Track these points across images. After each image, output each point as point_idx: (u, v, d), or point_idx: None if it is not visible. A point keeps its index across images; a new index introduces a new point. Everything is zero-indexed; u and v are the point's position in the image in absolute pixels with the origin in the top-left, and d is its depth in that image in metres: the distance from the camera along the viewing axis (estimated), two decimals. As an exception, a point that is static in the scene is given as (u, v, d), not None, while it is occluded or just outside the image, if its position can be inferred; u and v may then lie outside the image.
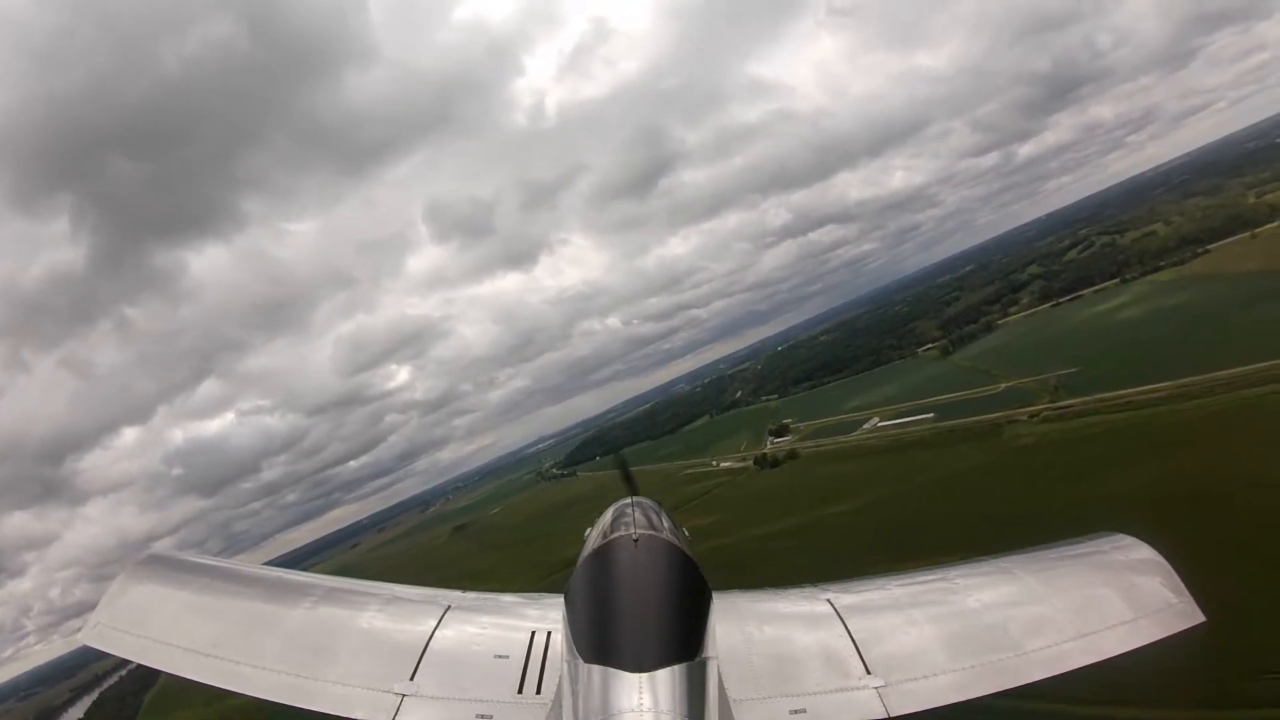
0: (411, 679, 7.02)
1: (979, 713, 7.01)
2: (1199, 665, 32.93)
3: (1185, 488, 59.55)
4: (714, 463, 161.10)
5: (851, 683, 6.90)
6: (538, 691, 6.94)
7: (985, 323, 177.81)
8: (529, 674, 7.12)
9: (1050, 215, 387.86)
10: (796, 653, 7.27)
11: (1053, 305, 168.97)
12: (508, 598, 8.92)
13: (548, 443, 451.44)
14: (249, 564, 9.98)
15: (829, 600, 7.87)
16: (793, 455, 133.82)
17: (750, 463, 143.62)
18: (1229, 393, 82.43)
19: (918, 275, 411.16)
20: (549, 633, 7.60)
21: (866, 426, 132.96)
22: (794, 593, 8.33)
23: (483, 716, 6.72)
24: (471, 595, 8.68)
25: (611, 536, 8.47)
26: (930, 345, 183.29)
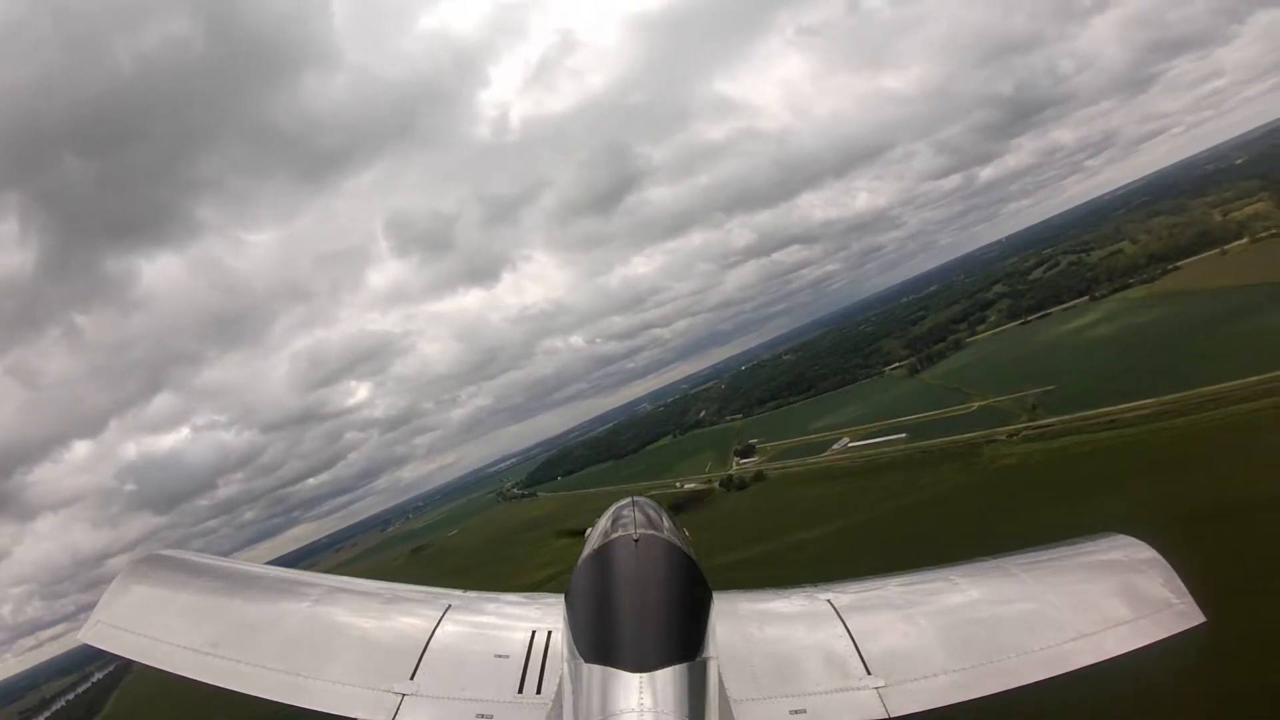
0: (411, 679, 6.99)
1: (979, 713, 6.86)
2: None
3: (1190, 508, 55.50)
4: (678, 484, 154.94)
5: (851, 683, 6.86)
6: (538, 691, 6.92)
7: (953, 341, 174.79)
8: (529, 674, 7.10)
9: (1011, 237, 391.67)
10: (796, 653, 7.24)
11: (1021, 323, 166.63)
12: (508, 597, 8.77)
13: (510, 461, 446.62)
14: (249, 563, 9.45)
15: (829, 600, 7.83)
16: (760, 476, 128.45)
17: (716, 484, 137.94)
18: (1218, 409, 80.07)
19: (881, 295, 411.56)
20: (549, 632, 7.55)
21: (836, 447, 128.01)
22: (794, 593, 8.27)
23: (483, 716, 6.69)
24: (471, 595, 8.57)
25: (612, 536, 8.51)
26: (898, 364, 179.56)
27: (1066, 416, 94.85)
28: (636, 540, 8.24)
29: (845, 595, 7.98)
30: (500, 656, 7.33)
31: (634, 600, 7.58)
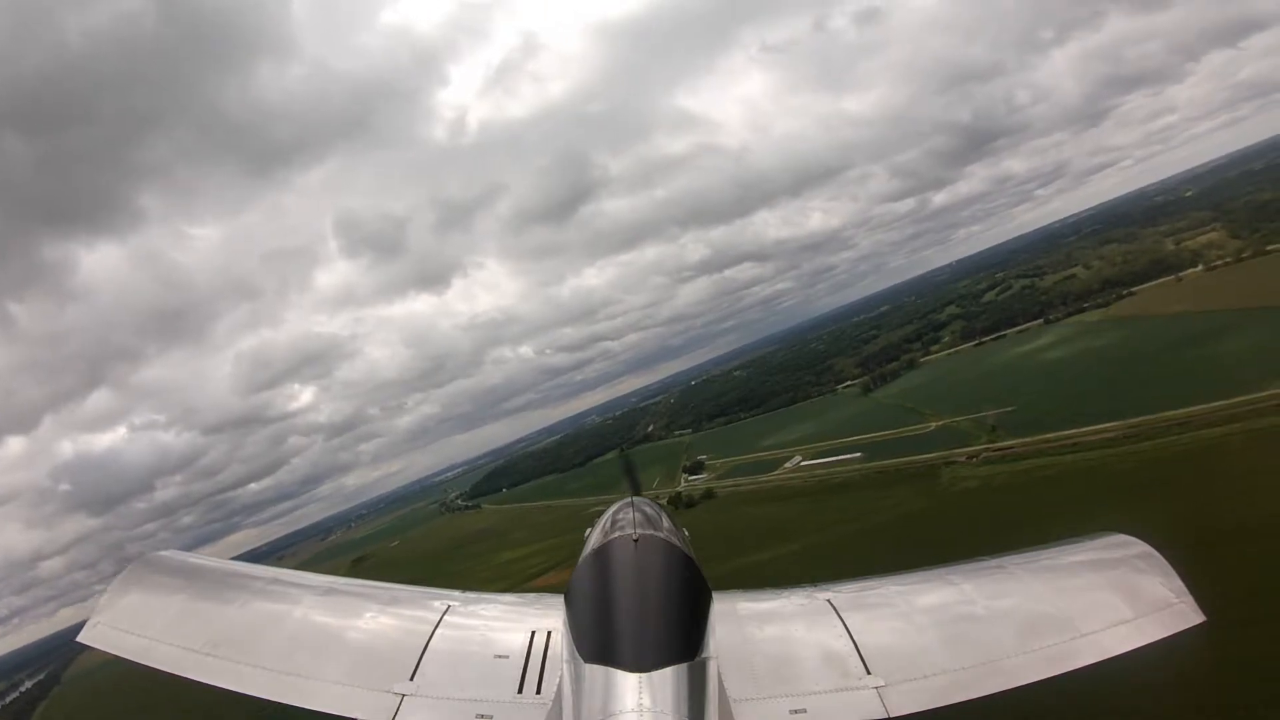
0: (411, 679, 7.01)
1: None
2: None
3: (1160, 535, 48.29)
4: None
5: (851, 683, 6.86)
6: (538, 691, 6.93)
7: (907, 360, 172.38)
8: (529, 674, 7.12)
9: (960, 261, 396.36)
10: (796, 653, 7.23)
11: (975, 344, 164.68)
12: (507, 598, 8.77)
13: (456, 471, 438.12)
14: (249, 564, 9.57)
15: (829, 600, 7.83)
16: (709, 495, 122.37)
17: (664, 501, 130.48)
18: (1184, 433, 77.45)
19: (831, 315, 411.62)
20: (549, 633, 7.56)
21: (788, 465, 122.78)
22: (794, 593, 8.25)
23: (483, 716, 6.70)
24: (471, 595, 8.56)
25: (611, 536, 8.56)
26: (850, 382, 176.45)
27: (1028, 439, 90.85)
28: (636, 540, 8.20)
29: (845, 595, 7.92)
30: (500, 657, 7.29)
31: (634, 600, 7.52)
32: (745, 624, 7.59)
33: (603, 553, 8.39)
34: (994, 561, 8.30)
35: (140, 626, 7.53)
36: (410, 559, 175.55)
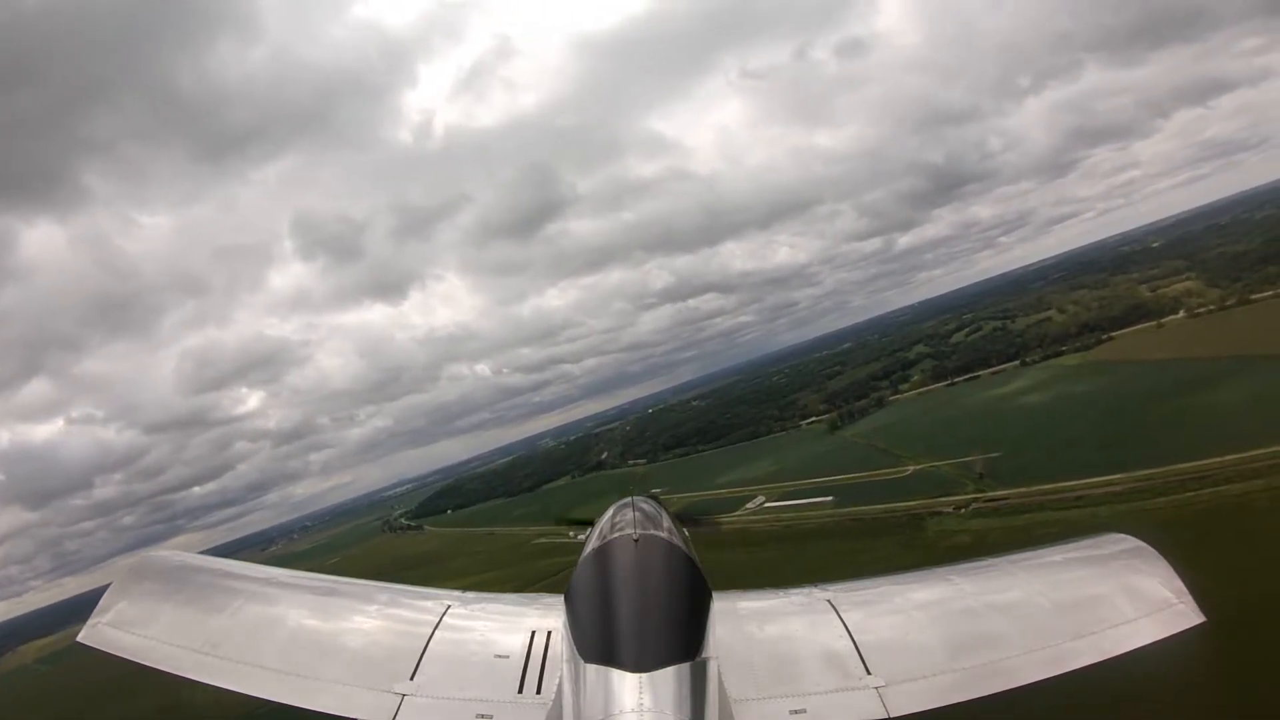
0: (411, 679, 7.02)
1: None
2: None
3: (1215, 608, 40.67)
4: (571, 533, 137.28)
5: (851, 683, 6.85)
6: (538, 691, 6.93)
7: (876, 398, 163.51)
8: (529, 674, 7.11)
9: (922, 303, 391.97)
10: (796, 653, 7.24)
11: (947, 384, 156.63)
12: (507, 598, 8.84)
13: (406, 487, 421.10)
14: (248, 564, 9.41)
15: (829, 600, 7.86)
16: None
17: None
18: (1202, 489, 69.90)
19: (792, 350, 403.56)
20: (549, 633, 7.56)
21: (751, 506, 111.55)
22: (794, 593, 8.31)
23: (483, 716, 6.71)
24: (471, 595, 8.58)
25: (611, 536, 8.65)
26: (815, 419, 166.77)
27: (1023, 489, 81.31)
28: (636, 540, 8.22)
29: (845, 595, 7.97)
30: (500, 656, 7.30)
31: (634, 600, 7.47)
32: (745, 624, 7.54)
33: (603, 552, 8.35)
34: (994, 561, 8.31)
35: (140, 626, 7.47)
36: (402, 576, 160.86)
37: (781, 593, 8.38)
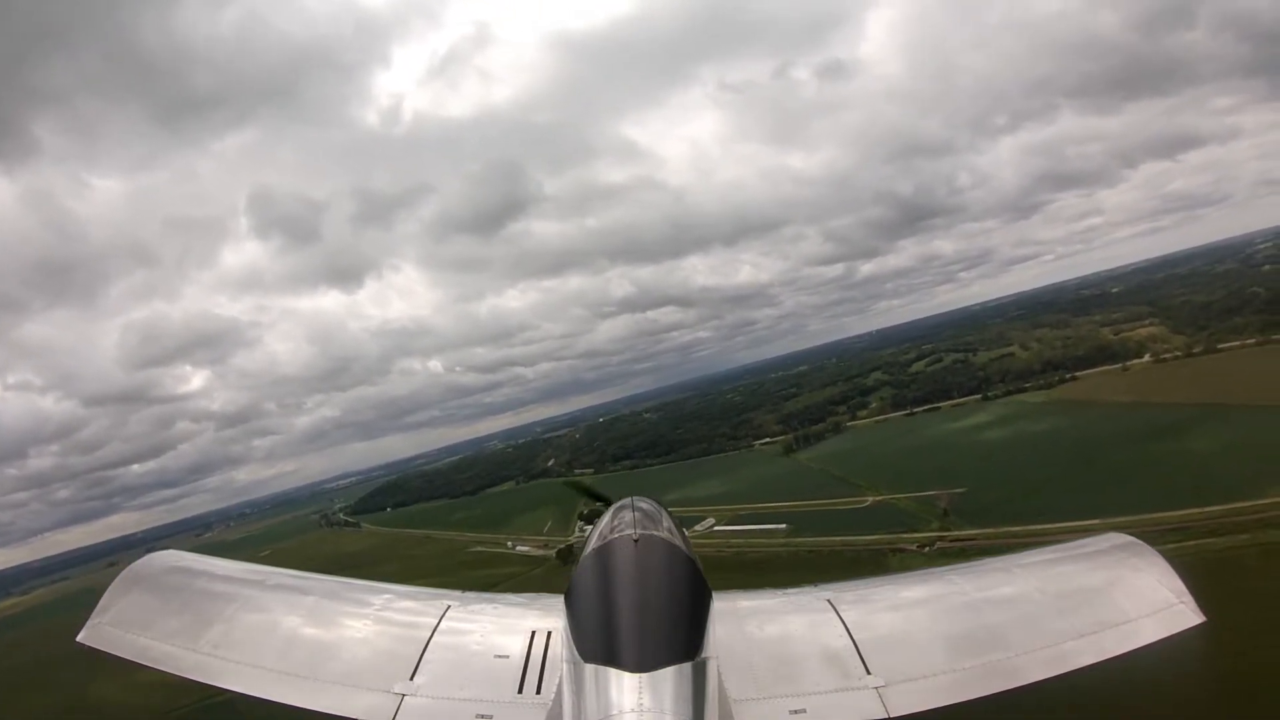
0: (411, 679, 6.98)
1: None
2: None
3: (1214, 678, 39.73)
4: (509, 544, 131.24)
5: (851, 683, 6.81)
6: (538, 691, 6.88)
7: (833, 423, 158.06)
8: (529, 674, 7.06)
9: (879, 331, 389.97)
10: (796, 653, 7.19)
11: (907, 413, 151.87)
12: (507, 598, 8.85)
13: (350, 480, 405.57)
14: (248, 564, 9.23)
15: (829, 600, 7.78)
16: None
17: (553, 554, 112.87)
18: (1184, 541, 64.33)
19: (747, 369, 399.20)
20: (549, 633, 7.50)
21: (700, 529, 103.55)
22: (794, 593, 8.26)
23: (483, 716, 6.67)
24: (471, 595, 8.61)
25: (611, 536, 8.34)
26: (770, 440, 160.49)
27: (990, 529, 75.40)
28: (636, 540, 7.98)
29: (845, 595, 7.89)
30: (500, 657, 7.28)
31: (634, 600, 7.34)
32: (745, 624, 7.50)
33: (603, 552, 8.13)
34: (994, 561, 8.34)
35: (140, 626, 7.45)
36: None
37: (781, 592, 8.25)
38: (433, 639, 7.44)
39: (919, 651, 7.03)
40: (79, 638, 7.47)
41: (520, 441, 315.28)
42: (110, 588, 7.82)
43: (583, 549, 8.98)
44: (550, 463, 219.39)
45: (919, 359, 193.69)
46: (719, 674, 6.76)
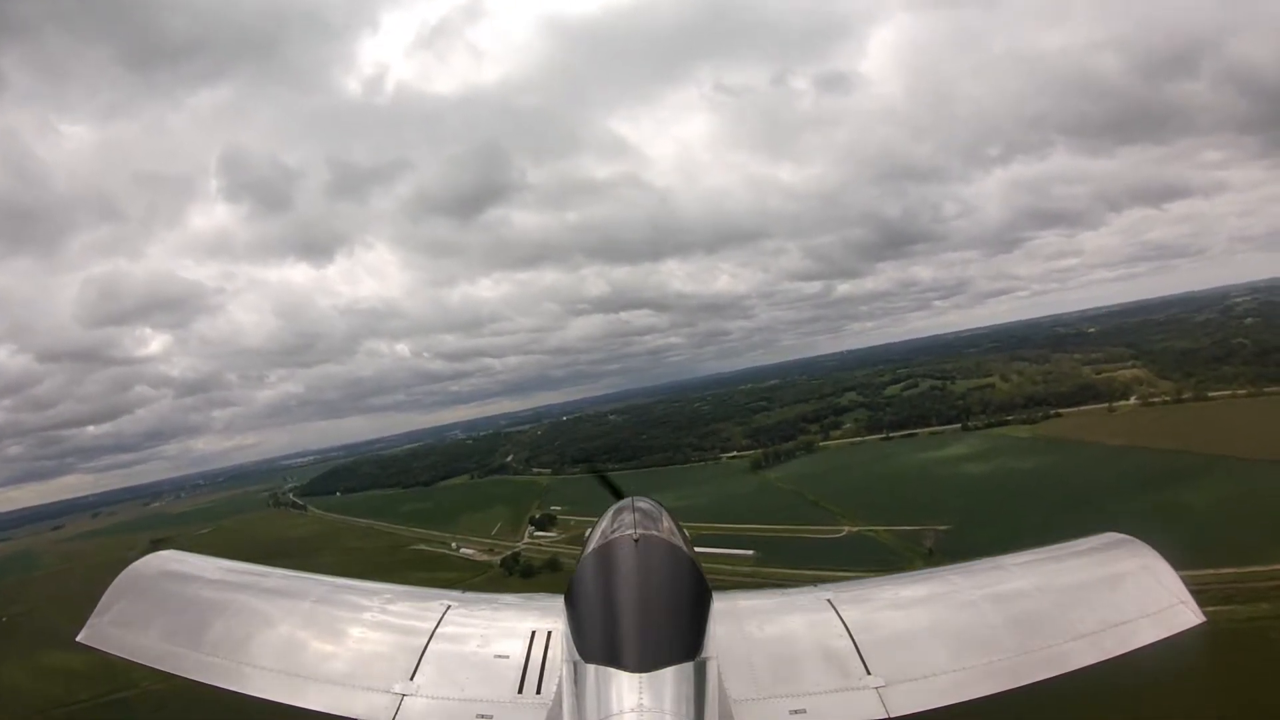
0: (411, 679, 6.90)
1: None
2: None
3: None
4: (454, 545, 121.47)
5: (851, 683, 6.72)
6: (538, 691, 6.80)
7: (804, 442, 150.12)
8: (529, 674, 6.97)
9: (851, 352, 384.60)
10: (796, 653, 7.09)
11: (883, 438, 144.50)
12: (507, 598, 8.76)
13: (308, 458, 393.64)
14: (249, 564, 8.91)
15: (829, 600, 7.65)
16: (554, 565, 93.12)
17: (498, 561, 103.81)
18: (1203, 607, 54.71)
19: (716, 378, 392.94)
20: (549, 633, 7.38)
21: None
22: (794, 593, 8.13)
23: (483, 716, 6.61)
24: (471, 595, 8.45)
25: (612, 536, 8.14)
26: (737, 454, 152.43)
27: (982, 576, 66.95)
28: (636, 540, 7.73)
29: (845, 595, 7.77)
30: (500, 656, 7.18)
31: (634, 600, 7.22)
32: (745, 624, 7.39)
33: (603, 552, 7.89)
34: (994, 561, 8.16)
35: (140, 626, 7.46)
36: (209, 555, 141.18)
37: (781, 592, 8.15)
38: (433, 639, 7.28)
39: (919, 651, 6.87)
40: (79, 638, 7.44)
41: (481, 434, 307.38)
42: (110, 588, 7.77)
43: (582, 550, 8.56)
44: (509, 458, 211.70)
45: (894, 382, 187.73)
46: (719, 674, 6.60)
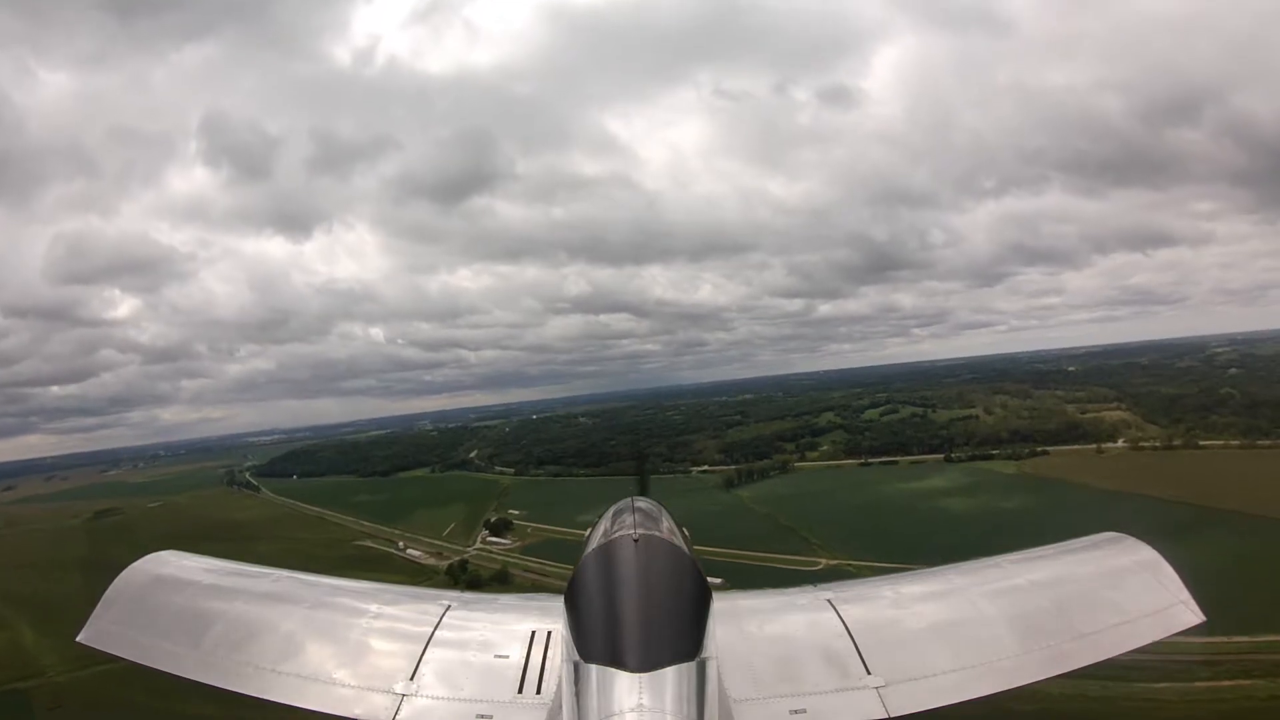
0: (411, 679, 6.89)
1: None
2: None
3: None
4: (400, 544, 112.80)
5: (851, 683, 6.73)
6: (538, 691, 6.82)
7: (780, 461, 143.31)
8: (529, 674, 6.99)
9: (827, 373, 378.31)
10: (796, 653, 7.11)
11: (862, 463, 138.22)
12: (507, 598, 9.18)
13: (275, 437, 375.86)
14: (249, 565, 9.24)
15: (829, 600, 7.71)
16: (503, 576, 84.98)
17: (444, 567, 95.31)
18: (1218, 680, 54.17)
19: (691, 388, 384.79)
20: (549, 632, 7.42)
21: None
22: (794, 592, 8.20)
23: (483, 716, 6.60)
24: (471, 595, 8.69)
25: (612, 536, 8.19)
26: (709, 468, 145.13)
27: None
28: (636, 540, 7.70)
29: (845, 595, 7.82)
30: (500, 656, 7.19)
31: (634, 600, 7.11)
32: (745, 624, 7.40)
33: (603, 552, 7.85)
34: (994, 561, 8.28)
35: (139, 626, 7.40)
36: (149, 532, 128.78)
37: (782, 592, 8.22)
38: (433, 639, 7.26)
39: (919, 651, 6.85)
40: (79, 638, 7.34)
41: (449, 426, 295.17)
42: (111, 586, 7.77)
43: (582, 550, 8.51)
44: (473, 453, 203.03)
45: (872, 406, 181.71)
46: (719, 674, 6.51)
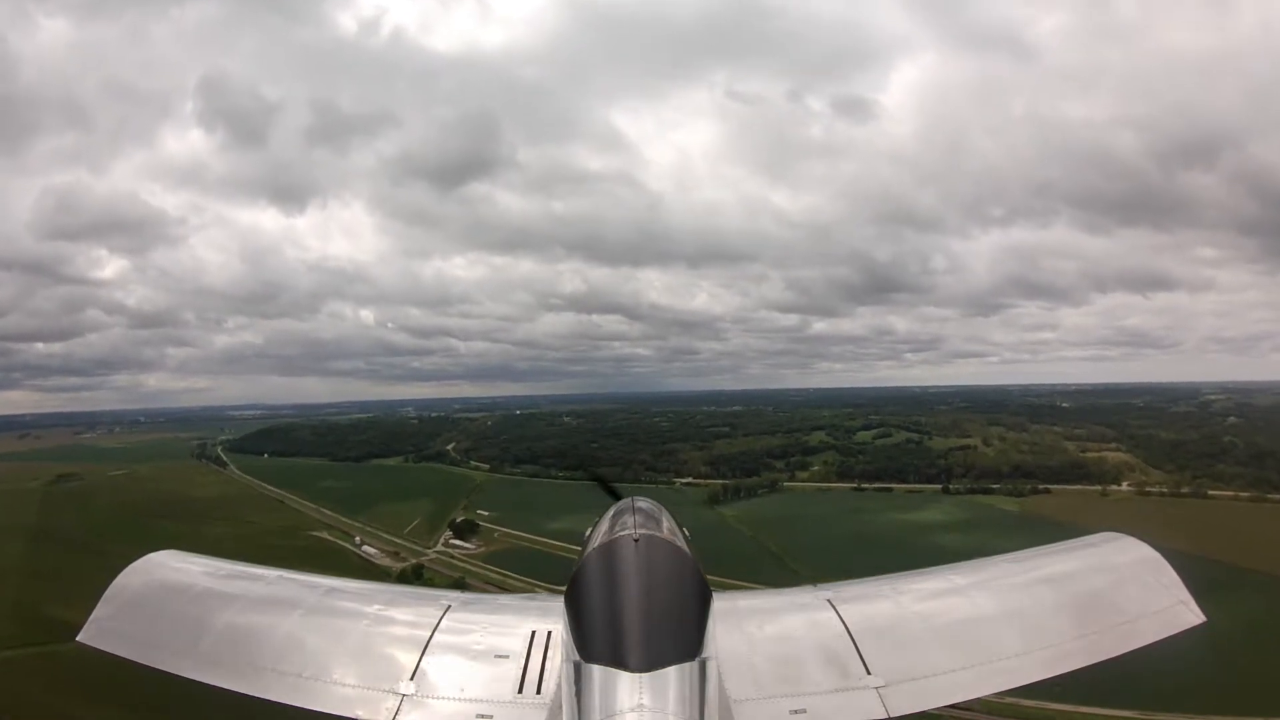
0: (411, 679, 6.76)
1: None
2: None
3: None
4: (357, 540, 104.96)
5: (851, 683, 6.60)
6: (538, 691, 6.66)
7: (769, 479, 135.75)
8: (529, 674, 6.82)
9: (817, 390, 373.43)
10: (797, 653, 6.96)
11: (855, 487, 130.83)
12: (507, 598, 9.71)
13: (258, 412, 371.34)
14: (249, 564, 8.80)
15: (829, 600, 7.49)
16: (460, 584, 76.55)
17: (397, 572, 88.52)
18: None
19: (679, 396, 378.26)
20: (549, 632, 7.18)
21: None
22: (794, 592, 7.99)
23: (483, 716, 6.48)
24: (471, 596, 8.52)
25: (613, 536, 7.84)
26: (694, 480, 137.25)
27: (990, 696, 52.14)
28: (637, 540, 7.45)
29: (845, 595, 7.61)
30: (500, 656, 7.03)
31: (634, 600, 6.90)
32: (746, 624, 7.22)
33: (603, 552, 7.57)
34: (994, 561, 8.09)
35: (139, 626, 7.38)
36: (107, 502, 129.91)
37: (782, 593, 8.10)
38: (433, 639, 7.14)
39: (919, 651, 6.74)
40: (79, 637, 7.31)
41: (431, 415, 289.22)
42: (111, 586, 7.67)
43: (583, 550, 8.13)
44: (450, 446, 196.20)
45: (865, 428, 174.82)
46: (719, 674, 6.43)
